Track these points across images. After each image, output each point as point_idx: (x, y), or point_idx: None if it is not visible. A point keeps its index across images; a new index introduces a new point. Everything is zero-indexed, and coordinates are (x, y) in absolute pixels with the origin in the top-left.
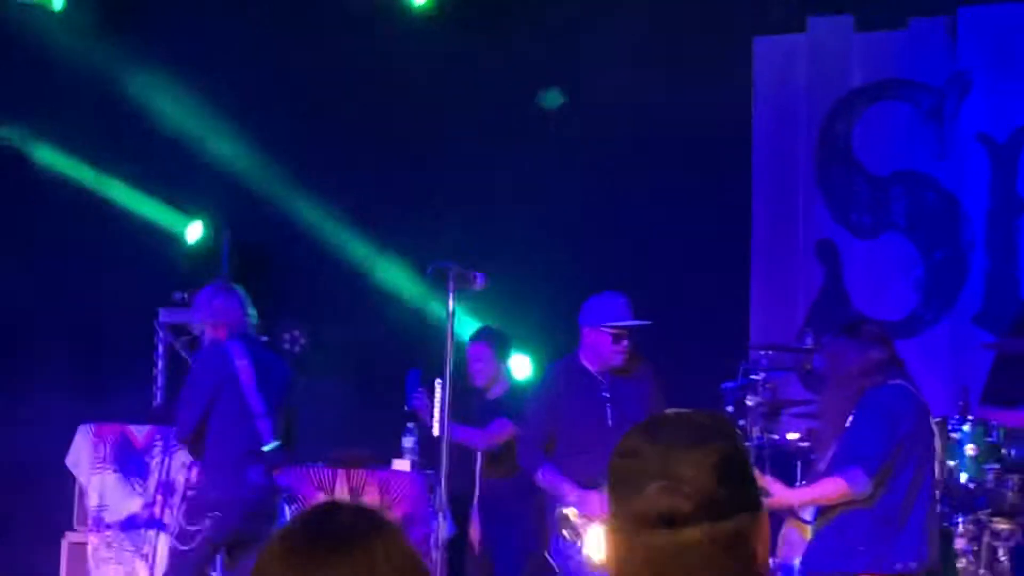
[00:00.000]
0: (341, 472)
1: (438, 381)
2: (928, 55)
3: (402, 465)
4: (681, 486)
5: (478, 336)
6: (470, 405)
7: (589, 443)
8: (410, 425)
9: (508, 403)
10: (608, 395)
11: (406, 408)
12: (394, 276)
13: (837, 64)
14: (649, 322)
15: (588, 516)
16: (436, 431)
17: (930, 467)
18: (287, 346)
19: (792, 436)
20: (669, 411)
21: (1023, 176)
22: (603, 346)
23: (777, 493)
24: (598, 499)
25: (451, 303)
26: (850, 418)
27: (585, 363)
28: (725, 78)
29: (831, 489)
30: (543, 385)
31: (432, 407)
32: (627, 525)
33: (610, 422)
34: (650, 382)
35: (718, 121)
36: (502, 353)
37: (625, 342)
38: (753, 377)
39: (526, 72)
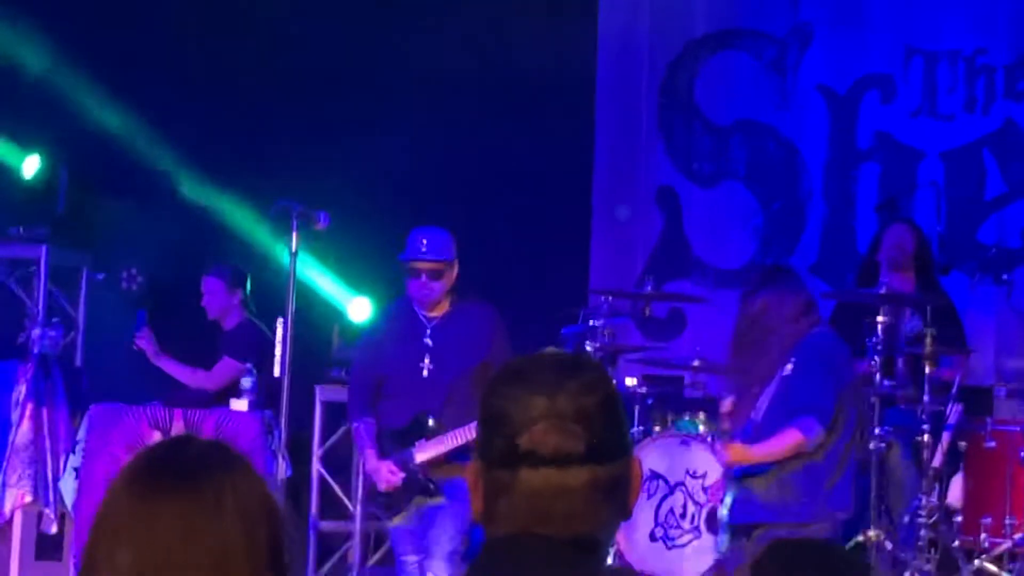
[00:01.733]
0: (177, 411)
1: (280, 320)
2: (771, 6)
3: (240, 405)
4: (571, 425)
5: (209, 271)
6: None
7: (403, 389)
8: (248, 365)
9: (237, 339)
10: (430, 342)
11: (133, 347)
12: (236, 215)
13: (681, 12)
14: (439, 259)
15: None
16: (276, 371)
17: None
18: (124, 284)
19: (631, 382)
20: (546, 351)
21: (862, 128)
22: (409, 284)
23: (733, 450)
24: (386, 470)
25: (294, 243)
26: (789, 366)
27: (416, 306)
28: (569, 23)
29: (788, 441)
30: (368, 327)
31: (153, 343)
32: (507, 462)
33: (425, 371)
34: (488, 327)
35: (561, 66)
36: (234, 286)
37: (424, 278)
38: (593, 323)
39: (372, 10)
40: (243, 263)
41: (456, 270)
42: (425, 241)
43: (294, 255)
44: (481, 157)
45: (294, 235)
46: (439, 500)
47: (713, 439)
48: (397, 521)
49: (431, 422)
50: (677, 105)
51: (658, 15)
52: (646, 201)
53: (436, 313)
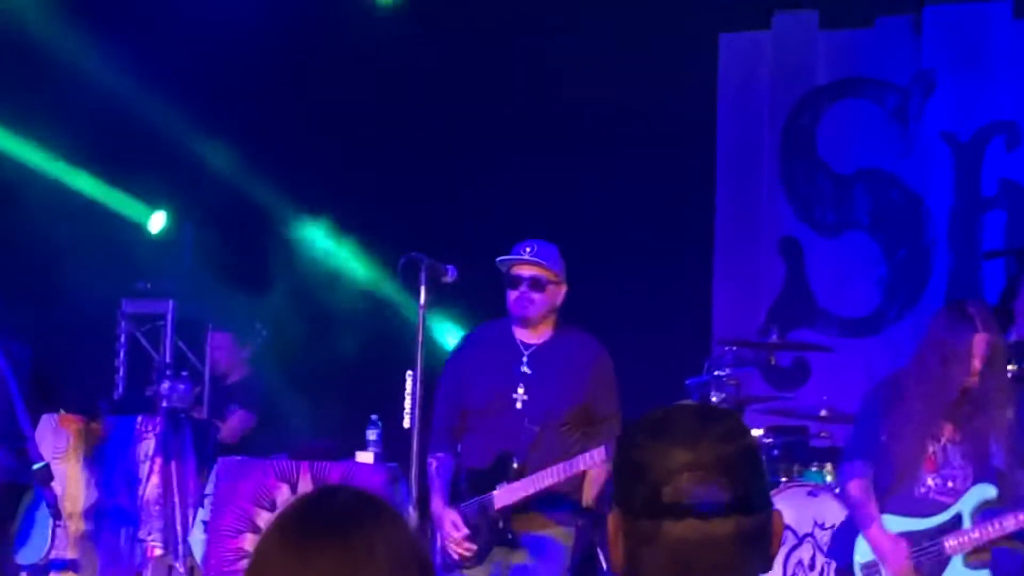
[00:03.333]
0: (304, 464)
1: (409, 372)
2: (893, 53)
3: (365, 457)
4: (715, 476)
5: (216, 327)
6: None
7: (490, 421)
8: (374, 417)
9: (247, 390)
10: (528, 369)
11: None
12: (363, 267)
13: (802, 61)
14: (543, 263)
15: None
16: (407, 423)
17: None
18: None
19: (756, 432)
20: (682, 403)
21: (986, 175)
22: (508, 297)
23: None
24: (449, 522)
25: (423, 296)
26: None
27: (514, 328)
28: (690, 75)
29: None
30: (456, 350)
31: None
32: (650, 513)
33: (519, 403)
34: (592, 360)
35: (683, 117)
36: (243, 342)
37: (525, 287)
38: (717, 373)
39: (495, 69)
40: (372, 316)
41: (563, 292)
42: (531, 248)
43: (423, 307)
44: (603, 206)
45: (422, 288)
46: (523, 558)
47: None
48: (473, 573)
49: (515, 464)
50: (799, 153)
51: (779, 62)
52: (769, 250)
53: (535, 338)
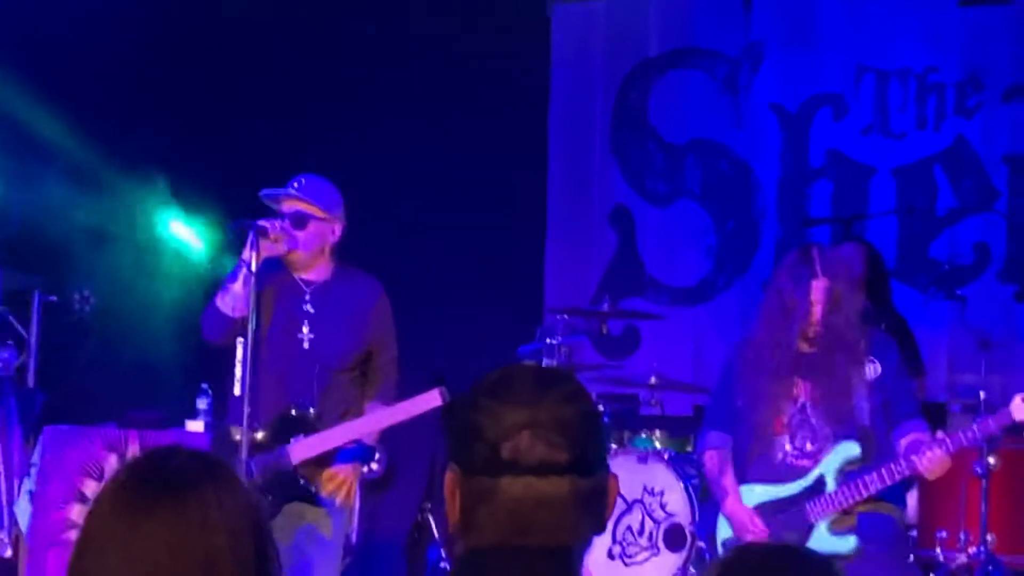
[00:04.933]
0: (132, 433)
1: (240, 339)
2: (724, 25)
3: (196, 426)
4: (553, 436)
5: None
6: None
7: (280, 365)
8: (204, 385)
9: None
10: (312, 308)
11: None
12: (191, 231)
13: (634, 31)
14: (308, 199)
15: None
16: (237, 390)
17: None
18: (77, 306)
19: None
20: (522, 364)
21: (814, 146)
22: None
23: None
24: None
25: (253, 262)
26: (877, 365)
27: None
28: (523, 44)
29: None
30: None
31: None
32: (489, 470)
33: (306, 343)
34: (373, 299)
35: (516, 86)
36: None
37: (288, 222)
38: (549, 341)
39: (328, 33)
40: (203, 282)
41: (336, 229)
42: (298, 183)
43: (252, 273)
44: (433, 176)
45: (252, 253)
46: (317, 517)
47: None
48: None
49: (311, 413)
50: (631, 124)
51: (611, 34)
52: (601, 219)
53: (315, 276)
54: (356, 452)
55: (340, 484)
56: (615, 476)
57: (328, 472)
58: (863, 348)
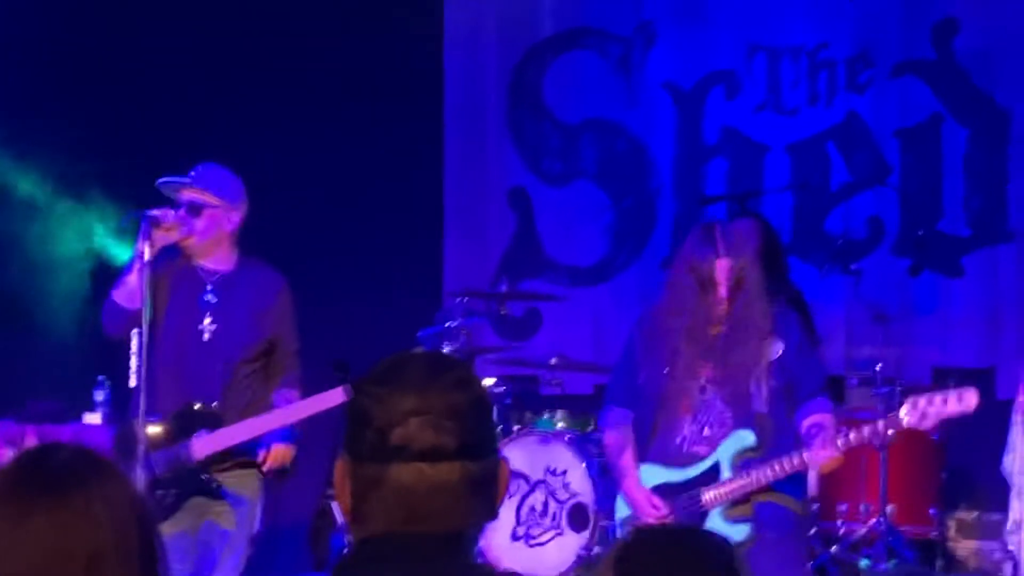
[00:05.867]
0: (30, 427)
1: (135, 330)
2: (616, 4)
3: (94, 418)
4: (443, 422)
5: None
6: None
7: (180, 359)
8: (100, 378)
9: None
10: (214, 299)
11: None
12: (71, 220)
13: (528, 12)
14: (203, 188)
15: None
16: (133, 382)
17: None
18: None
19: (488, 382)
20: (412, 351)
21: (708, 124)
22: None
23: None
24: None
25: (147, 252)
26: (780, 344)
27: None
28: (417, 24)
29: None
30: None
31: None
32: (378, 457)
33: (207, 335)
34: (276, 289)
35: (410, 67)
36: None
37: (183, 210)
38: (448, 324)
39: (215, 12)
40: (96, 274)
41: (233, 218)
42: (194, 173)
43: (145, 265)
44: (328, 159)
45: (146, 244)
46: (221, 512)
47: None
48: (168, 530)
49: (213, 407)
50: (526, 104)
51: (504, 15)
52: (498, 201)
53: (218, 266)
54: (285, 434)
55: (283, 455)
56: (506, 461)
57: (231, 470)
58: (767, 327)
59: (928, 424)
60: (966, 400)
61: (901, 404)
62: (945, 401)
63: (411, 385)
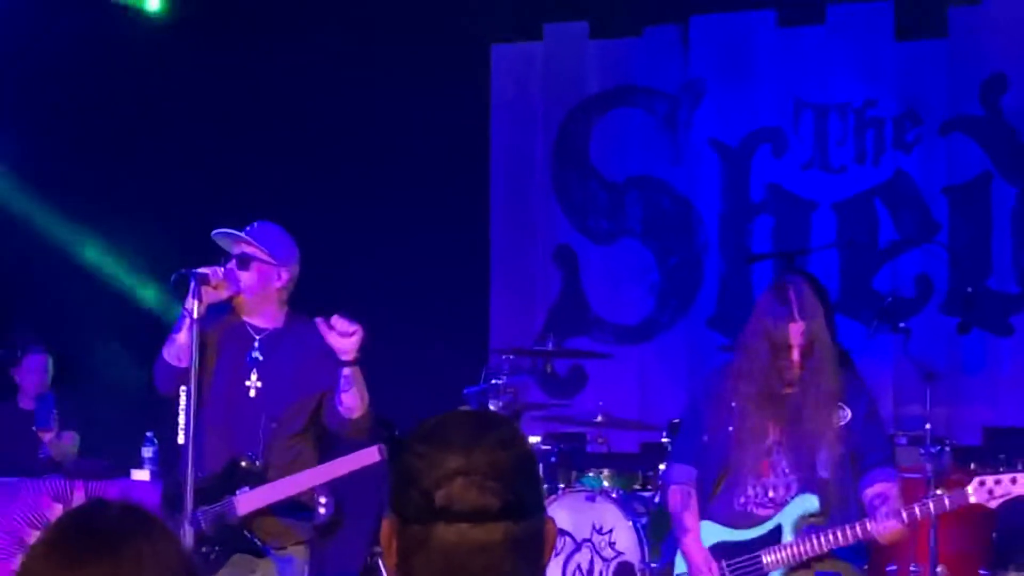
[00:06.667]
0: (78, 483)
1: (183, 388)
2: (662, 62)
3: (142, 475)
4: (487, 482)
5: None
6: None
7: (225, 416)
8: (149, 434)
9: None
10: (261, 356)
11: (34, 428)
12: (130, 280)
13: (573, 71)
14: (255, 242)
15: None
16: (181, 439)
17: None
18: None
19: (534, 439)
20: (458, 410)
21: (755, 181)
22: None
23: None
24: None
25: (196, 310)
26: (847, 411)
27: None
28: (463, 85)
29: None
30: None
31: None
32: (422, 518)
33: (252, 391)
34: (322, 353)
35: (457, 127)
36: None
37: (232, 265)
38: (494, 381)
39: (265, 78)
40: (148, 331)
41: (283, 275)
42: (251, 226)
43: (195, 322)
44: (379, 216)
45: (195, 302)
46: (268, 569)
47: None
48: None
49: (257, 464)
50: (572, 163)
51: (550, 72)
52: (544, 259)
53: (265, 323)
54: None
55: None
56: (552, 520)
57: (276, 527)
58: (836, 393)
59: (994, 503)
60: None
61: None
62: (1014, 481)
63: (456, 444)
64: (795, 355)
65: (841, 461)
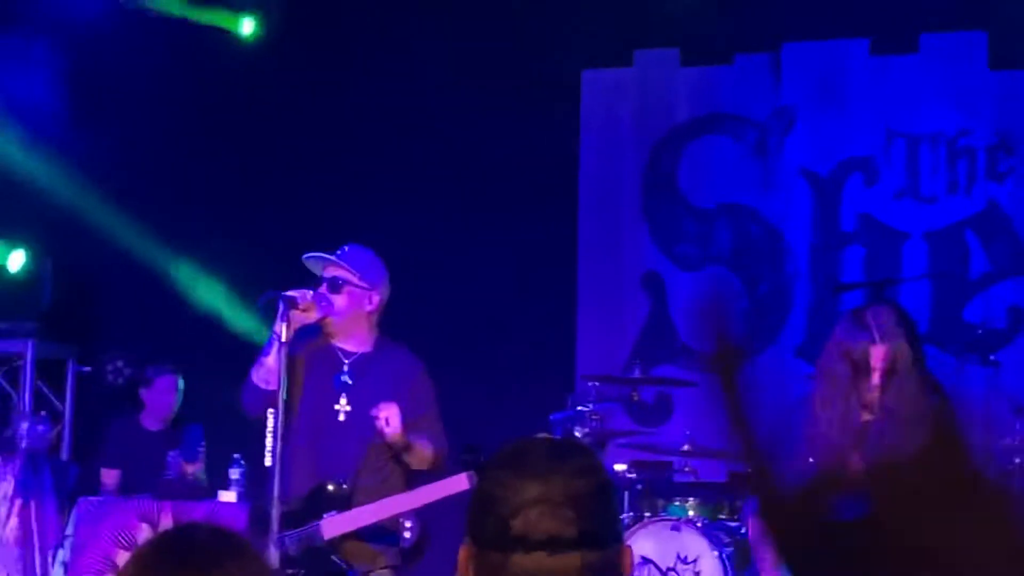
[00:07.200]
0: (166, 504)
1: (271, 410)
2: (753, 90)
3: (228, 496)
4: (564, 511)
5: (171, 368)
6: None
7: (314, 439)
8: (236, 456)
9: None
10: (350, 380)
11: (173, 455)
12: (218, 301)
13: (663, 98)
14: (346, 265)
15: None
16: (268, 461)
17: None
18: (110, 378)
19: (620, 467)
20: (537, 436)
21: (845, 210)
22: None
23: None
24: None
25: (284, 333)
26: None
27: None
28: (554, 111)
29: None
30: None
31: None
32: (499, 545)
33: (342, 415)
34: (414, 374)
35: (546, 152)
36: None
37: (323, 289)
38: (581, 408)
39: (357, 103)
40: (236, 353)
41: (374, 299)
42: (340, 251)
43: (283, 345)
44: (466, 243)
45: (283, 324)
46: None
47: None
48: None
49: (344, 487)
50: (661, 189)
51: (641, 99)
52: (632, 285)
53: (355, 347)
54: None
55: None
56: (630, 548)
57: (362, 550)
58: (922, 413)
59: None
60: None
61: None
62: None
63: (533, 472)
64: (876, 378)
65: None
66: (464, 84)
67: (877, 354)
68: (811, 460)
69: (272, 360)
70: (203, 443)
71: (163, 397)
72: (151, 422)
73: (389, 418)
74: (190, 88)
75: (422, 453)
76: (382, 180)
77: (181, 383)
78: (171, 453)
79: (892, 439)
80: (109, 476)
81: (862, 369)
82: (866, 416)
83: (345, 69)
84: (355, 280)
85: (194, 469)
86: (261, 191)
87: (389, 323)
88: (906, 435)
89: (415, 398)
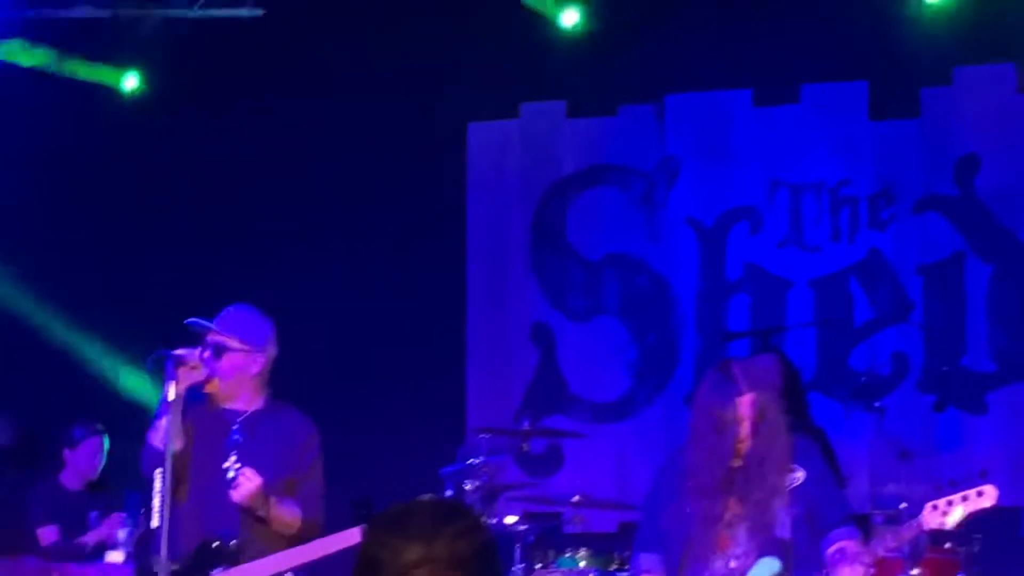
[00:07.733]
0: (54, 566)
1: (158, 470)
2: (638, 141)
3: (116, 557)
4: (449, 572)
5: (101, 429)
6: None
7: (203, 496)
8: (123, 516)
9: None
10: (240, 438)
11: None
12: (108, 363)
13: (549, 149)
14: (225, 332)
15: None
16: (155, 522)
17: None
18: None
19: (511, 519)
20: (421, 499)
21: (731, 259)
22: None
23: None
24: None
25: (172, 391)
26: (800, 473)
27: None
28: (440, 163)
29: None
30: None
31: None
32: None
33: (232, 472)
34: (304, 433)
35: (434, 205)
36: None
37: (208, 352)
38: (471, 461)
39: (241, 158)
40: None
41: (258, 360)
42: (225, 313)
43: (169, 405)
44: (352, 295)
45: (172, 384)
46: None
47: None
48: None
49: (232, 544)
50: (548, 240)
51: (527, 151)
52: (521, 337)
53: (245, 406)
54: None
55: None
56: None
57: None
58: (787, 459)
59: (950, 524)
60: (986, 495)
61: (926, 544)
62: (965, 498)
63: (418, 534)
64: (745, 428)
65: (797, 521)
66: (350, 137)
67: (745, 404)
68: (688, 511)
69: (165, 421)
70: (143, 508)
71: (89, 458)
72: (73, 482)
73: (242, 481)
74: (73, 144)
75: (283, 518)
76: (270, 235)
77: (107, 443)
78: (92, 514)
79: (758, 486)
80: (48, 533)
81: (730, 422)
82: (736, 463)
83: (228, 124)
84: (237, 345)
85: (135, 535)
86: (149, 247)
87: (279, 376)
88: (771, 481)
89: (300, 459)
